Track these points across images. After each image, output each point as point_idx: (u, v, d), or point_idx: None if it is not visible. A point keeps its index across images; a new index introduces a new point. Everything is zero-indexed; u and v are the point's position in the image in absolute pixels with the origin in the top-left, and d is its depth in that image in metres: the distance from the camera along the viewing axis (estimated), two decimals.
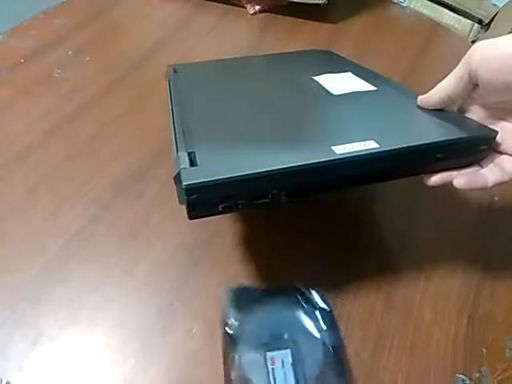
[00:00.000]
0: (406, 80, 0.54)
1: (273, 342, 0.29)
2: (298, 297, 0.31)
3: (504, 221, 0.40)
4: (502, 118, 0.28)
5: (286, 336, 0.29)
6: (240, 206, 0.24)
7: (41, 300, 0.33)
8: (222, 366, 0.29)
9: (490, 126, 0.28)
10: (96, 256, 0.35)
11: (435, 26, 0.67)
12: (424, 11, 0.90)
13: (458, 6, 0.99)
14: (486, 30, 0.98)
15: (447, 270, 0.36)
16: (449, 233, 0.39)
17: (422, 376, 0.30)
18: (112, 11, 0.63)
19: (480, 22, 0.98)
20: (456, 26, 0.98)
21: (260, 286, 0.34)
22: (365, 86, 0.35)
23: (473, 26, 0.98)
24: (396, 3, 0.71)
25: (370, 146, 0.25)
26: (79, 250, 0.36)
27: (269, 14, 0.64)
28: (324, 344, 0.29)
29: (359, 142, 0.25)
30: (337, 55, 0.46)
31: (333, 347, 0.29)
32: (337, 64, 0.42)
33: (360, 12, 0.66)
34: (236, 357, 0.28)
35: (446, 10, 0.99)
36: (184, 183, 0.22)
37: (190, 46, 0.58)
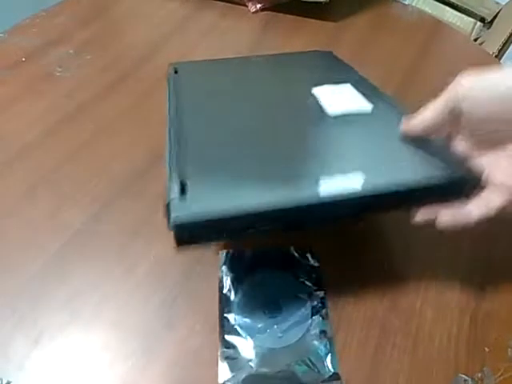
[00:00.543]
0: (407, 78, 0.54)
1: (266, 307, 0.31)
2: (292, 259, 0.34)
3: (505, 219, 0.40)
4: (487, 150, 0.28)
5: (278, 299, 0.32)
6: (227, 237, 0.26)
7: (41, 299, 0.33)
8: (218, 329, 0.30)
9: (474, 158, 0.28)
10: (97, 255, 0.35)
11: (437, 24, 0.67)
12: (426, 9, 0.89)
13: (460, 4, 0.98)
14: (489, 28, 0.98)
15: (449, 269, 0.36)
16: (450, 232, 0.38)
17: (424, 375, 0.30)
18: (113, 9, 0.63)
19: (482, 19, 0.98)
20: (458, 23, 0.97)
21: (255, 250, 0.35)
22: (360, 104, 0.35)
23: (475, 23, 0.98)
24: (398, 1, 0.70)
25: (353, 185, 0.25)
26: (80, 249, 0.36)
27: (270, 12, 0.64)
28: (312, 305, 0.32)
29: (344, 179, 0.26)
30: (337, 58, 0.46)
31: (320, 307, 0.32)
32: (336, 71, 0.42)
33: (361, 10, 0.66)
34: (230, 319, 0.31)
35: (447, 8, 0.98)
36: (172, 219, 0.23)
37: (191, 45, 0.57)
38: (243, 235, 0.27)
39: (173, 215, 0.23)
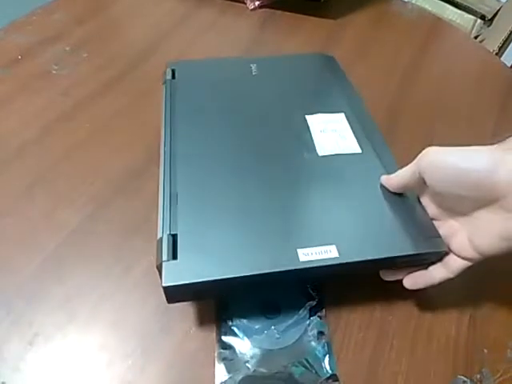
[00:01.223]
0: (408, 76, 0.54)
1: (264, 308, 0.31)
2: None
3: None
4: (450, 217, 0.30)
5: (276, 299, 0.32)
6: (215, 297, 0.31)
7: (37, 299, 0.32)
8: (215, 329, 0.31)
9: (442, 222, 0.30)
10: (94, 254, 0.35)
11: (437, 22, 0.67)
12: (426, 6, 0.89)
13: (461, 1, 0.97)
14: (489, 26, 0.97)
15: None
16: None
17: (423, 377, 0.30)
18: (110, 6, 0.63)
19: (483, 17, 0.97)
20: (458, 21, 0.97)
21: None
22: (350, 144, 0.36)
23: (475, 21, 0.97)
24: None
25: (330, 254, 0.27)
26: (77, 249, 0.35)
27: (269, 9, 0.63)
28: (310, 306, 0.32)
29: (322, 246, 0.28)
30: (337, 68, 0.45)
31: (318, 308, 0.32)
32: (334, 91, 0.42)
33: (361, 7, 0.65)
34: (227, 320, 0.30)
35: (448, 5, 0.98)
36: (164, 284, 0.26)
37: (190, 42, 0.57)
38: (231, 295, 0.31)
39: (164, 279, 0.26)
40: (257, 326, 0.30)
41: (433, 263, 0.30)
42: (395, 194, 0.32)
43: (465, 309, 0.33)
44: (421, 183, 0.29)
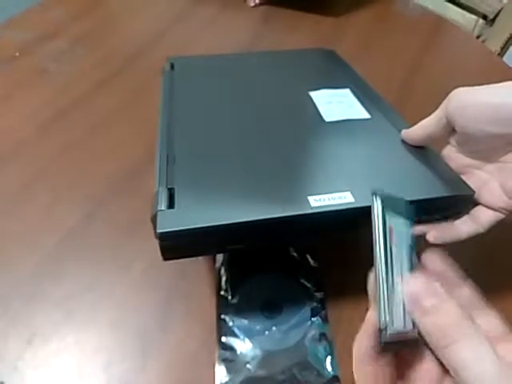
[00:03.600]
0: (410, 76, 0.53)
1: (265, 308, 0.31)
2: (291, 260, 0.33)
3: (507, 223, 0.39)
4: (479, 168, 0.28)
5: (277, 300, 0.31)
6: (214, 251, 0.26)
7: (35, 298, 0.32)
8: (216, 330, 0.30)
9: (467, 175, 0.28)
10: (92, 253, 0.35)
11: (439, 21, 0.66)
12: (428, 5, 0.89)
13: (462, 1, 0.97)
14: (491, 26, 0.97)
15: None
16: None
17: None
18: (108, 2, 0.62)
19: (484, 17, 0.97)
20: (460, 21, 0.97)
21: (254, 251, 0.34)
22: (358, 111, 0.34)
23: (477, 21, 0.97)
24: None
25: (345, 199, 0.25)
26: (75, 248, 0.35)
27: (269, 6, 0.63)
28: (311, 307, 0.31)
29: (336, 193, 0.25)
30: (339, 58, 0.45)
31: (319, 309, 0.31)
32: (336, 73, 0.41)
33: (363, 6, 0.65)
34: (227, 320, 0.30)
35: (450, 5, 0.97)
36: (158, 230, 0.23)
37: (189, 39, 0.56)
38: (231, 249, 0.27)
39: (158, 225, 0.23)
40: (258, 327, 0.30)
41: (459, 217, 0.28)
42: (414, 147, 0.30)
43: None
44: (447, 131, 0.27)
